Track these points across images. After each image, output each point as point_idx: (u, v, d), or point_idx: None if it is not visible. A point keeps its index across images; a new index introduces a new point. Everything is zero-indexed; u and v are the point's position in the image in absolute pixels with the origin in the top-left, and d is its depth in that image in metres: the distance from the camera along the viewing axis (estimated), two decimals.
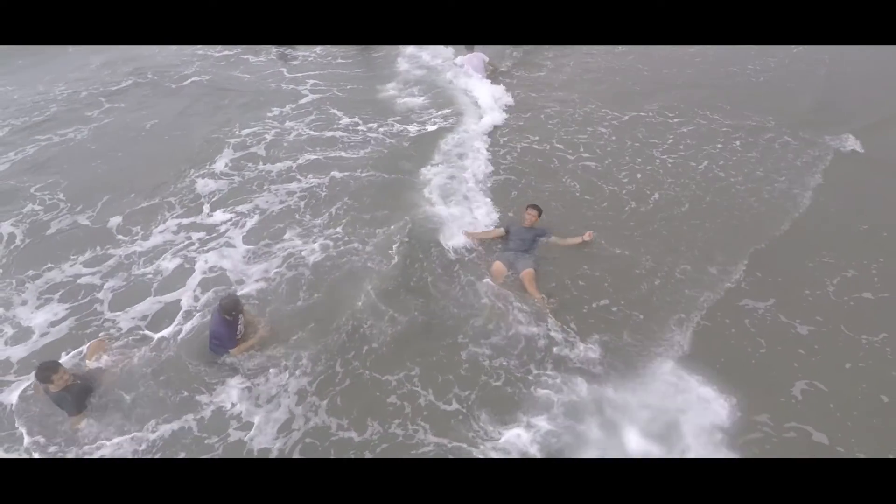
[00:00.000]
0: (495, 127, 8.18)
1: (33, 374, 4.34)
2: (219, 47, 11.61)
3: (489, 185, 6.91)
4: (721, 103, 8.55)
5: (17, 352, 4.87)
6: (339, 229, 6.16)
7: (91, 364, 4.64)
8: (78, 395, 4.27)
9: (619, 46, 10.68)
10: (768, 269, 5.31)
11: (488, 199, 6.54)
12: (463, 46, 10.23)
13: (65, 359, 4.74)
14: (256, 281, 5.49)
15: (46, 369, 4.14)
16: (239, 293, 5.26)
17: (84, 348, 4.81)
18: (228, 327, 4.47)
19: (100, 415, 4.31)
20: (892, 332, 4.60)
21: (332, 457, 3.93)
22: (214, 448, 4.05)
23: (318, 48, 11.45)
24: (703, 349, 4.50)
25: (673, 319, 4.79)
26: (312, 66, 10.65)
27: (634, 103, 8.70)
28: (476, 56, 9.62)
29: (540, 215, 5.80)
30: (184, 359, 4.70)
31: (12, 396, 4.50)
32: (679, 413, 3.99)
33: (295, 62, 10.88)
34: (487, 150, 7.57)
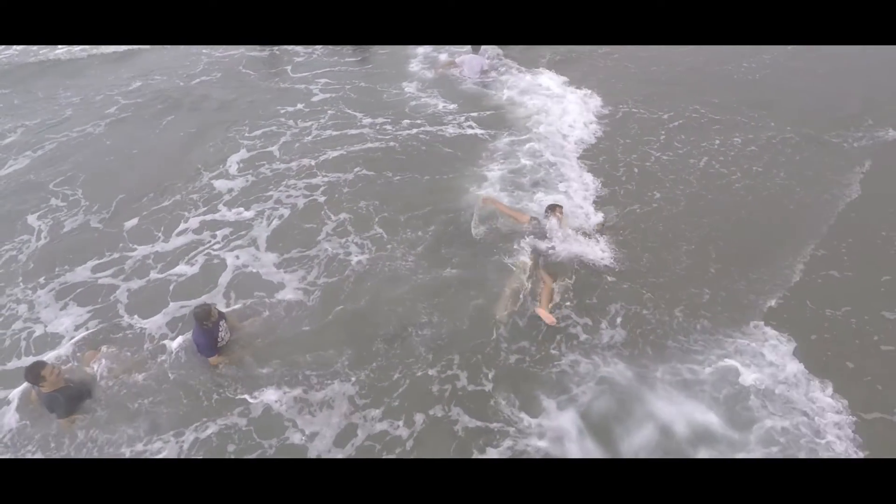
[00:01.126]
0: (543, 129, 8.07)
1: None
2: (221, 47, 11.52)
3: (535, 184, 6.88)
4: (717, 100, 8.67)
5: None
6: (378, 230, 6.19)
7: (88, 371, 4.59)
8: (70, 397, 4.21)
9: (603, 46, 10.60)
10: (751, 254, 5.72)
11: (535, 199, 6.58)
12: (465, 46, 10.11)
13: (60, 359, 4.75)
14: (295, 289, 5.46)
15: (34, 369, 4.09)
16: (278, 296, 5.34)
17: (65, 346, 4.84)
18: (207, 335, 4.51)
19: (116, 421, 4.30)
20: (855, 305, 5.01)
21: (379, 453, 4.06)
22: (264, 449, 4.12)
23: (320, 47, 11.41)
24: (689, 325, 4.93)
25: (677, 310, 5.07)
26: (318, 64, 10.63)
27: (625, 102, 8.76)
28: (476, 59, 9.44)
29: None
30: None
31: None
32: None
33: (299, 58, 10.86)
34: (536, 153, 7.47)
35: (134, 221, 6.53)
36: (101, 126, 8.74)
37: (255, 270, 5.75)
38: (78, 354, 4.83)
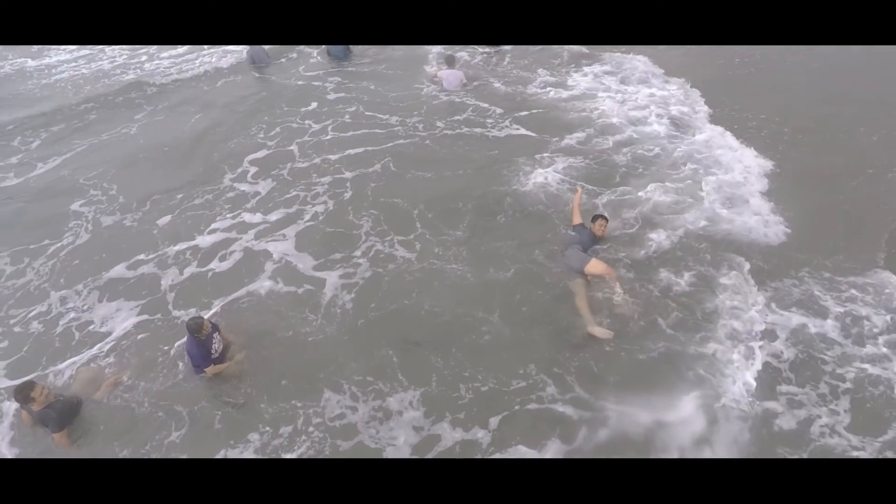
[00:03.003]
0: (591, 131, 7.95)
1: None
2: (233, 50, 11.74)
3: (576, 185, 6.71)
4: (710, 96, 8.89)
5: (85, 357, 4.99)
6: (420, 229, 6.16)
7: (77, 388, 4.54)
8: (62, 411, 4.17)
9: (581, 47, 10.74)
10: None
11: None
12: (444, 59, 10.12)
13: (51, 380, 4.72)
14: (337, 289, 5.43)
15: (23, 389, 4.05)
16: (325, 298, 5.30)
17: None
18: (200, 347, 4.50)
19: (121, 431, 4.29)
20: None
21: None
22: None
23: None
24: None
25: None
26: (325, 64, 10.89)
27: (666, 101, 8.73)
28: (454, 74, 9.56)
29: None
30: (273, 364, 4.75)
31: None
32: None
33: (312, 59, 11.11)
34: (582, 155, 7.41)
35: (167, 219, 6.67)
36: (133, 128, 8.92)
37: (292, 269, 5.75)
38: (75, 370, 4.83)
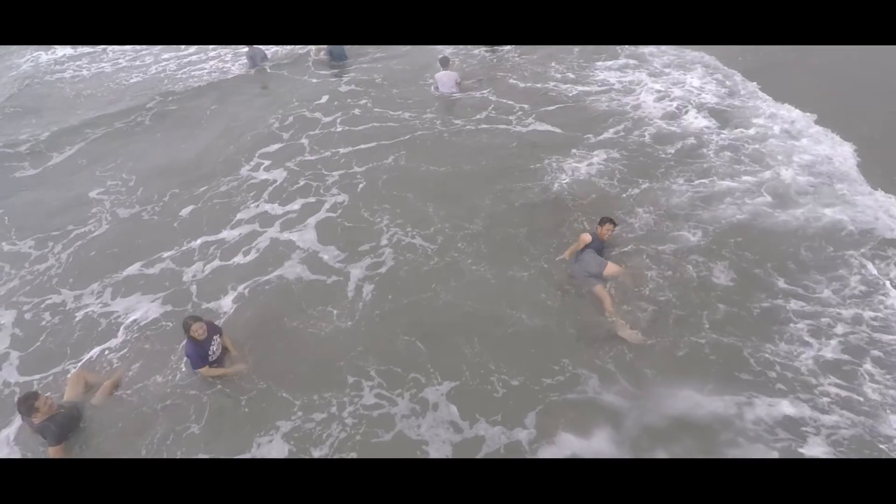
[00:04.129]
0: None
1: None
2: (240, 54, 11.51)
3: (596, 186, 6.55)
4: (750, 85, 8.70)
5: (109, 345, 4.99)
6: (438, 224, 6.05)
7: (70, 395, 4.39)
8: (61, 424, 4.06)
9: (570, 47, 10.50)
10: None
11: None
12: (439, 61, 9.86)
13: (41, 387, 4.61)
14: (360, 280, 5.37)
15: (27, 400, 3.93)
16: (349, 290, 5.26)
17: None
18: (197, 347, 4.43)
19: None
20: None
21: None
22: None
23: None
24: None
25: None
26: (325, 65, 10.70)
27: (698, 94, 8.48)
28: (448, 75, 9.42)
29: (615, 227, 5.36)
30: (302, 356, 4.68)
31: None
32: None
33: (315, 59, 10.95)
34: (601, 152, 7.12)
35: (187, 211, 6.65)
36: (147, 119, 8.87)
37: (316, 260, 5.74)
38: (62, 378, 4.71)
